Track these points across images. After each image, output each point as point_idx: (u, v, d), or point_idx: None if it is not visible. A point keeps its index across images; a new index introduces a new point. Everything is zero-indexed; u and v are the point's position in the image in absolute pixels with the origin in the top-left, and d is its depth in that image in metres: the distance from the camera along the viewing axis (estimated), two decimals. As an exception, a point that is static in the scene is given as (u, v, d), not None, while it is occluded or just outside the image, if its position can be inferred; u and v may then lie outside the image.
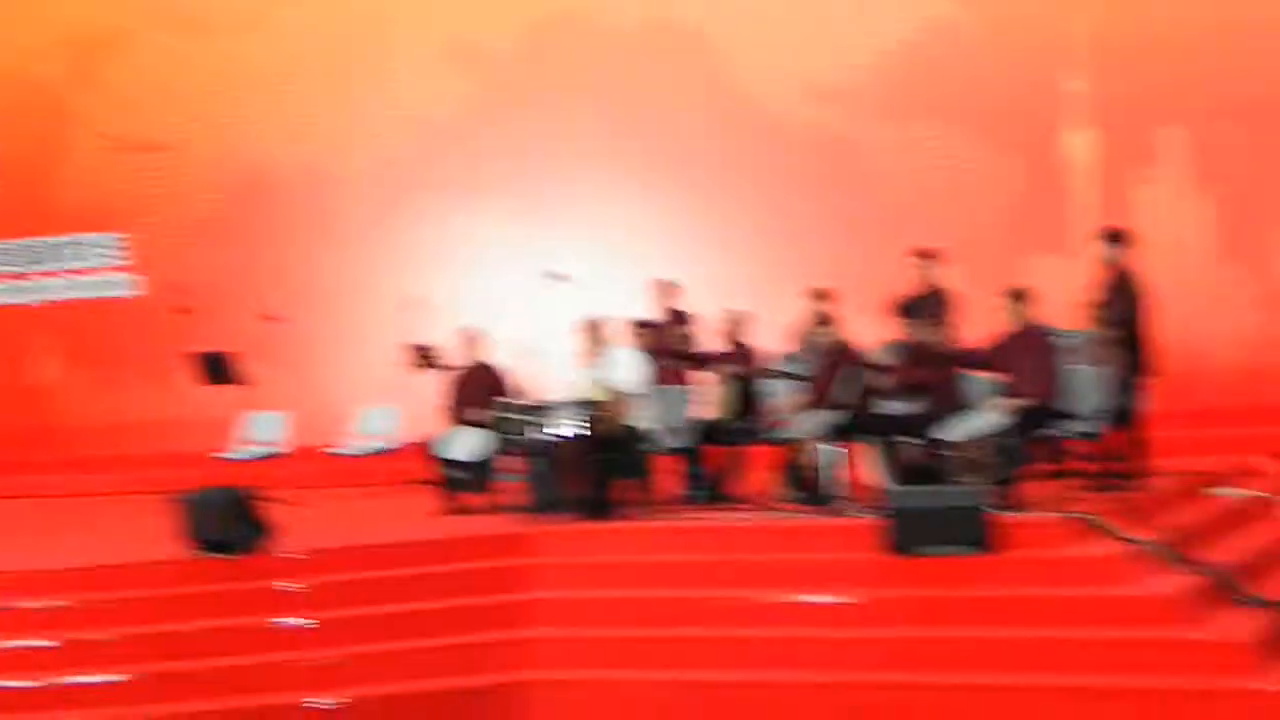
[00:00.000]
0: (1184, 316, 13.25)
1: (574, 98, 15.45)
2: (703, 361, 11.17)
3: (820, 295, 11.54)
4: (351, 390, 15.33)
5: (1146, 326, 10.12)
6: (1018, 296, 9.40)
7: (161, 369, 13.25)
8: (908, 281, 11.01)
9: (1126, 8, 13.76)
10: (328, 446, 13.91)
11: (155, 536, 10.16)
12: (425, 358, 13.54)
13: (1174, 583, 7.84)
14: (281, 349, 14.23)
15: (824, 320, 10.37)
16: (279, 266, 16.35)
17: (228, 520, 8.93)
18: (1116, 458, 10.09)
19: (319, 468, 13.59)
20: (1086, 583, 7.98)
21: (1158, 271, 13.19)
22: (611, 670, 8.23)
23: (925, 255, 11.06)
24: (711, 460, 10.78)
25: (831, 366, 10.14)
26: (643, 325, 11.24)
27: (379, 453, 13.61)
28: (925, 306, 10.15)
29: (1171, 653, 7.36)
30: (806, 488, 10.16)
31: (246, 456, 13.53)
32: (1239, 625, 7.47)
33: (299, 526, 10.34)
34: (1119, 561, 8.00)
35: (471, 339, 11.56)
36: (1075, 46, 13.83)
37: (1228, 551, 8.78)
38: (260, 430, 13.23)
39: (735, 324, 10.99)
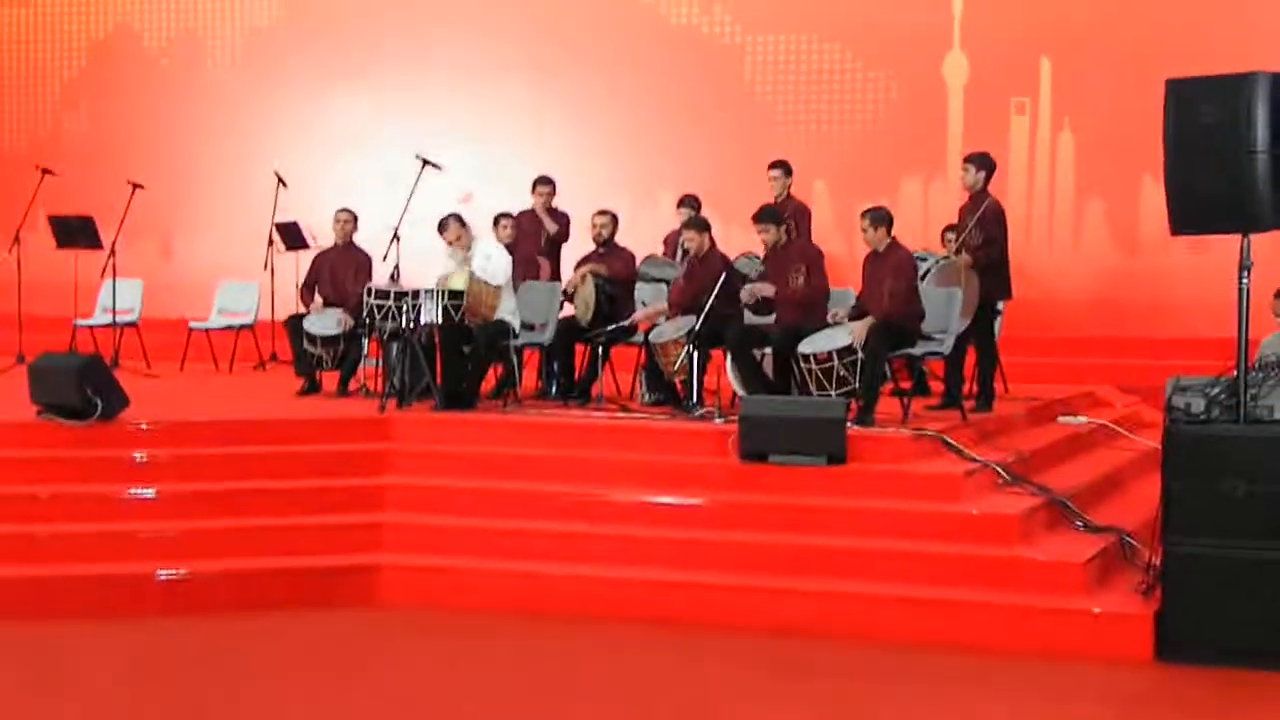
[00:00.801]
0: (1043, 246, 13.55)
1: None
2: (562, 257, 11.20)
3: (692, 202, 11.61)
4: (213, 263, 15.12)
5: (1006, 253, 10.30)
6: (879, 218, 9.49)
7: (17, 228, 12.88)
8: (768, 192, 11.14)
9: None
10: (186, 318, 13.71)
11: (3, 399, 9.99)
12: (291, 237, 13.41)
13: (1015, 503, 8.06)
14: (143, 217, 13.92)
15: (704, 227, 10.39)
16: (143, 131, 16.00)
17: (78, 386, 8.76)
18: (969, 379, 10.33)
19: (178, 339, 13.39)
20: (931, 498, 8.16)
21: (1021, 199, 13.51)
22: (460, 558, 8.27)
23: (781, 167, 11.20)
24: (573, 358, 10.82)
25: (698, 273, 10.19)
26: (513, 219, 11.19)
27: (239, 328, 13.45)
28: (782, 214, 10.23)
29: (1008, 570, 7.56)
30: (665, 390, 10.26)
31: (102, 323, 13.29)
32: (1074, 549, 7.70)
33: (153, 397, 10.23)
34: (964, 480, 8.19)
35: (341, 221, 11.40)
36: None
37: (1069, 477, 9.04)
38: (117, 298, 12.98)
39: (606, 225, 10.98)
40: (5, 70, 16.53)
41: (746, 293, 9.68)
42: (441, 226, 10.41)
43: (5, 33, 16.49)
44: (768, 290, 9.64)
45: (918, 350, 9.56)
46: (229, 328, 13.51)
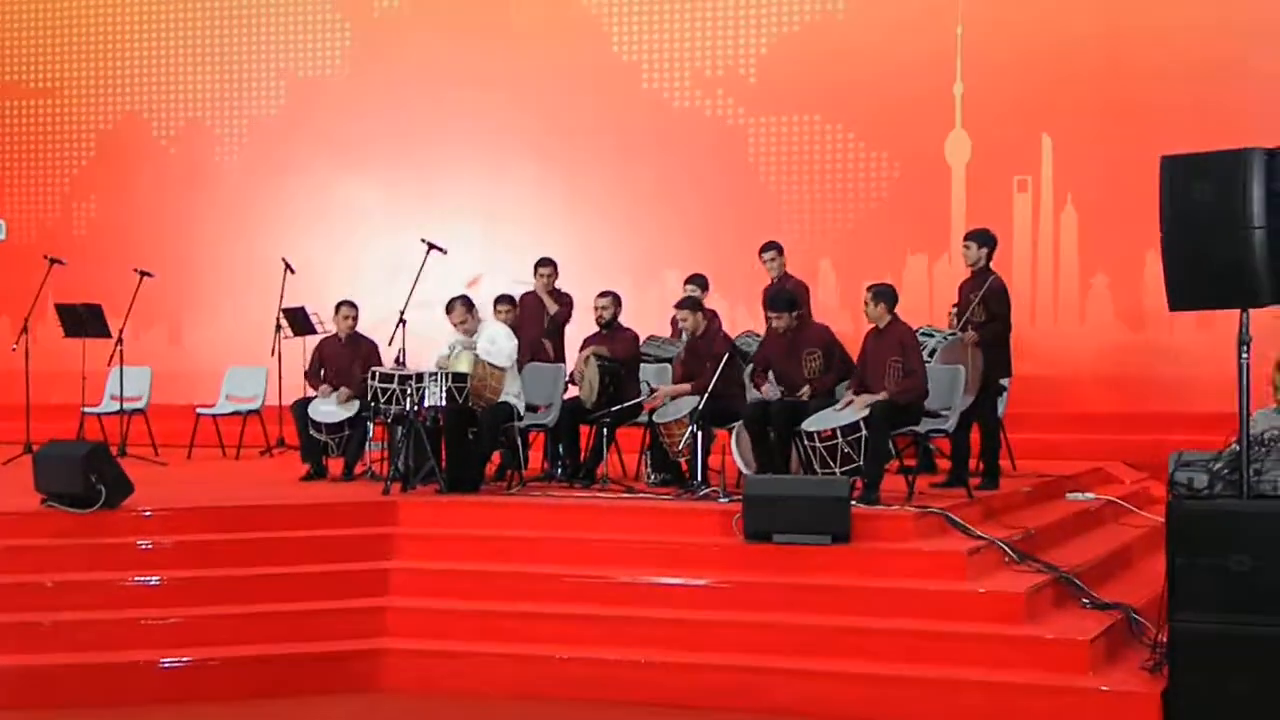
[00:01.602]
0: (1048, 322, 13.57)
1: (461, 73, 15.37)
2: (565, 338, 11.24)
3: (699, 280, 11.65)
4: (221, 350, 15.18)
5: (1009, 330, 10.32)
6: (880, 294, 9.52)
7: (26, 317, 12.95)
8: (765, 273, 11.21)
9: (1003, 16, 13.96)
10: (194, 405, 13.75)
11: (8, 488, 10.01)
12: (298, 322, 13.47)
13: (1021, 581, 8.01)
14: (151, 304, 14.02)
15: (696, 306, 10.45)
16: (151, 220, 16.13)
17: (82, 474, 8.77)
18: (973, 456, 10.30)
19: (186, 426, 13.43)
20: (936, 577, 8.12)
21: (1025, 276, 13.54)
22: (467, 643, 8.23)
23: (773, 248, 11.29)
24: (578, 439, 10.82)
25: (702, 352, 10.22)
26: (515, 302, 11.24)
27: (246, 414, 13.49)
28: (798, 300, 10.27)
29: (1014, 649, 7.51)
30: (670, 470, 10.25)
31: (110, 411, 13.34)
32: (1081, 626, 7.65)
33: (160, 484, 10.25)
34: (969, 557, 8.15)
35: (343, 315, 11.47)
36: (954, 52, 14.02)
37: (1076, 553, 8.99)
38: (125, 385, 13.02)
39: (607, 306, 11.01)
40: (16, 161, 16.69)
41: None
42: (449, 308, 10.45)
43: (16, 124, 16.67)
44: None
45: (922, 428, 9.55)
46: (236, 413, 13.55)
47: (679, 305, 10.58)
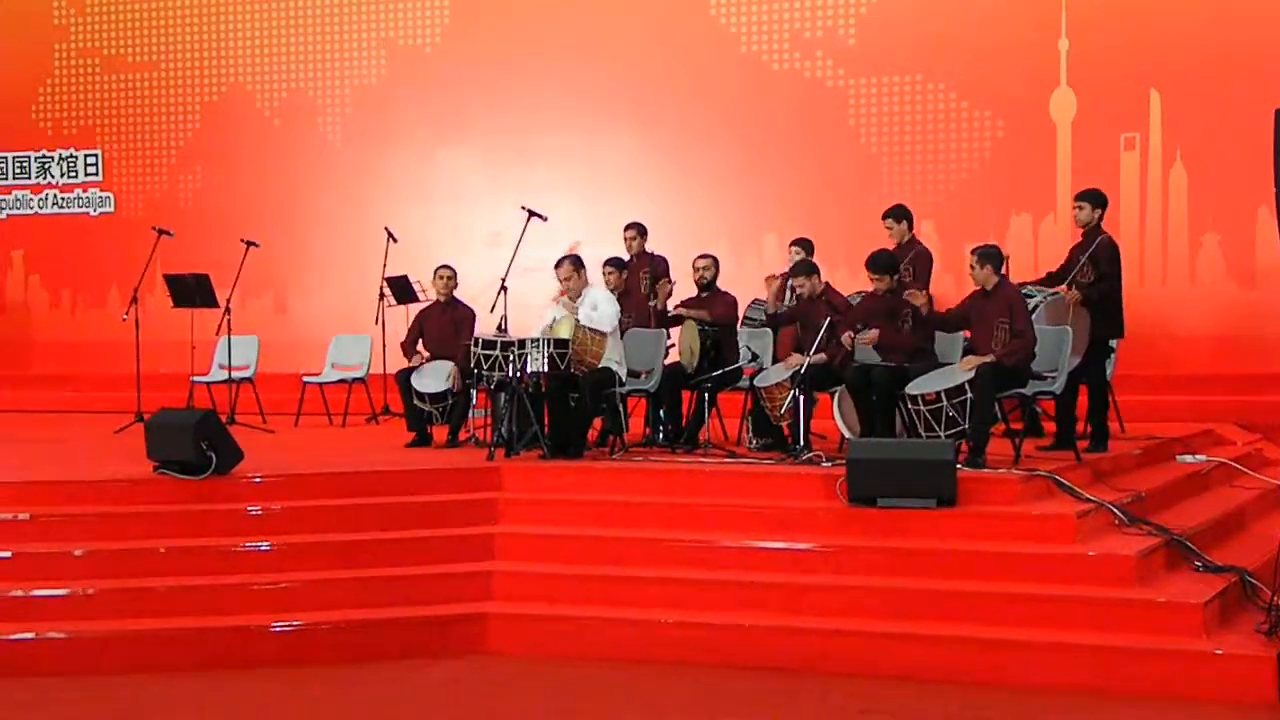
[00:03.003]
0: (1156, 282, 13.32)
1: (558, 41, 15.37)
2: (672, 308, 11.19)
3: (799, 244, 11.57)
4: (326, 318, 15.34)
5: (1119, 291, 10.16)
6: (987, 255, 9.39)
7: (135, 288, 13.16)
8: (883, 237, 11.02)
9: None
10: (300, 373, 13.92)
11: (122, 455, 10.19)
12: (401, 290, 13.57)
13: (1131, 544, 7.90)
14: (257, 274, 14.19)
15: (802, 269, 10.37)
16: (256, 191, 16.32)
17: (193, 442, 8.91)
18: (1082, 419, 10.16)
19: (292, 394, 13.60)
20: (1045, 540, 8.03)
21: (1133, 236, 13.30)
22: (570, 607, 8.27)
23: (892, 214, 11.06)
24: (679, 404, 10.82)
25: (806, 316, 10.16)
26: (617, 266, 11.23)
27: (352, 382, 13.63)
28: (899, 262, 10.15)
29: (1126, 612, 7.42)
30: (772, 434, 10.21)
31: (218, 379, 13.54)
32: (1193, 589, 7.53)
33: (268, 452, 10.39)
34: (1078, 520, 8.05)
35: (442, 278, 11.57)
36: (1058, 7, 13.77)
37: (1188, 516, 8.85)
38: (233, 354, 13.21)
39: (707, 268, 10.98)
40: (123, 135, 16.94)
41: (848, 338, 9.61)
42: (557, 265, 10.47)
43: (122, 98, 16.92)
44: (870, 336, 9.55)
45: (1028, 390, 9.42)
46: (342, 381, 13.70)
47: (794, 271, 10.42)
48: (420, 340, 11.49)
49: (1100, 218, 10.15)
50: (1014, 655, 7.39)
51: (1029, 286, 10.51)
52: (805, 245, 11.51)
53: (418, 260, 13.81)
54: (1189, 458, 10.62)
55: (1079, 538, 7.98)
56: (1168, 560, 8.00)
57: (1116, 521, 8.32)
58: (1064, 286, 10.14)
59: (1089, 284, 10.02)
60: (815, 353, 9.56)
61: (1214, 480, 10.38)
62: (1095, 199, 10.20)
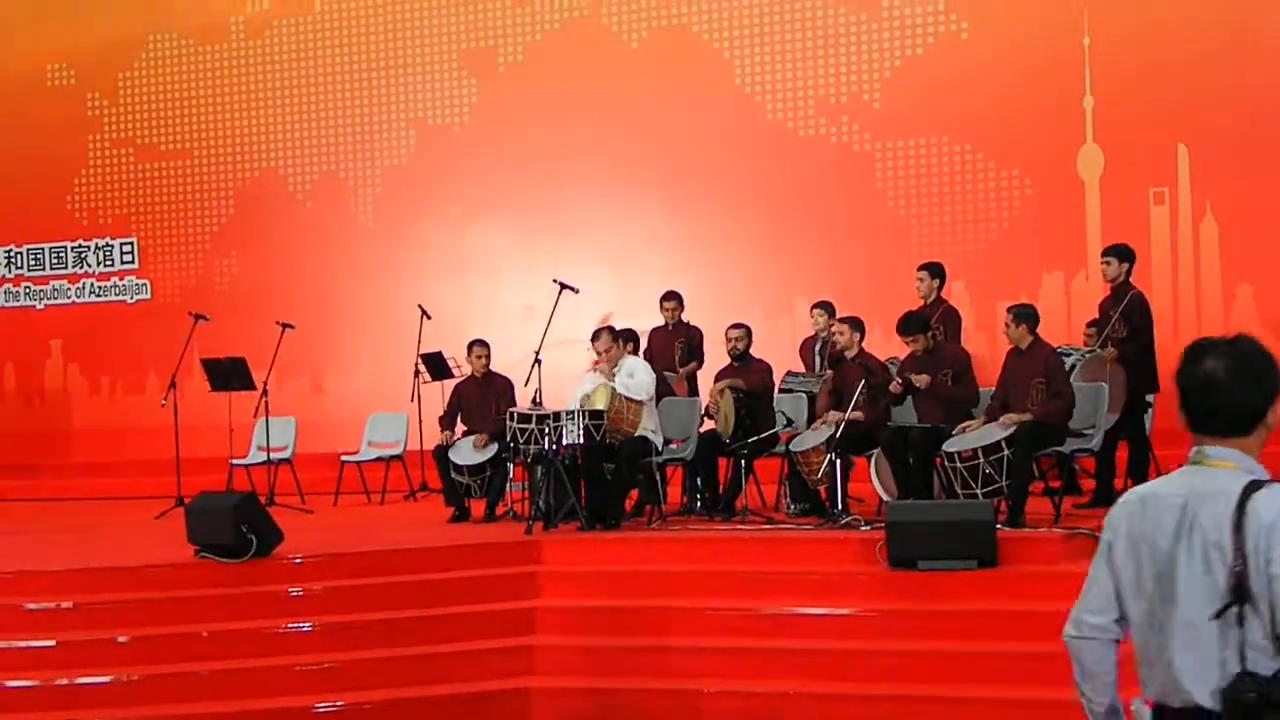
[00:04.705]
0: (1191, 335, 13.23)
1: (585, 109, 15.49)
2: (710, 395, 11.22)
3: (821, 307, 11.58)
4: (363, 397, 15.42)
5: (1152, 344, 10.14)
6: (1022, 315, 9.40)
7: (173, 373, 13.27)
8: (914, 296, 11.05)
9: (1130, 28, 13.72)
10: (338, 452, 13.98)
11: (163, 540, 10.25)
12: (436, 367, 13.64)
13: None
14: (293, 355, 14.29)
15: (848, 321, 10.32)
16: (290, 273, 16.46)
17: (233, 525, 8.96)
18: (1121, 475, 10.12)
19: (330, 473, 13.67)
20: (1088, 599, 7.96)
21: (1165, 290, 13.27)
22: (612, 679, 8.26)
23: (928, 269, 11.09)
24: (716, 472, 10.82)
25: (840, 379, 10.16)
26: (634, 335, 11.28)
27: (389, 459, 13.69)
28: (930, 322, 10.16)
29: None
30: (810, 499, 10.19)
31: (257, 462, 13.61)
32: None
33: (308, 532, 10.43)
34: (1121, 578, 7.98)
35: (476, 355, 11.62)
36: (1082, 65, 13.82)
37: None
38: (271, 436, 13.29)
39: (740, 339, 11.00)
40: (157, 222, 17.10)
41: (896, 385, 9.60)
42: (594, 337, 10.54)
43: (156, 185, 17.11)
44: (923, 380, 9.52)
45: (1066, 448, 9.39)
46: (379, 459, 13.75)
47: (841, 320, 10.40)
48: (459, 415, 11.53)
49: (1128, 272, 10.16)
50: (1059, 715, 7.30)
51: (1065, 347, 10.52)
52: (827, 308, 11.51)
53: (452, 336, 13.88)
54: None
55: (1122, 595, 7.91)
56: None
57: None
58: (1099, 344, 10.14)
59: (1123, 339, 10.01)
60: (850, 412, 9.55)
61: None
62: (1122, 254, 10.21)
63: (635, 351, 11.23)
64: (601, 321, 11.01)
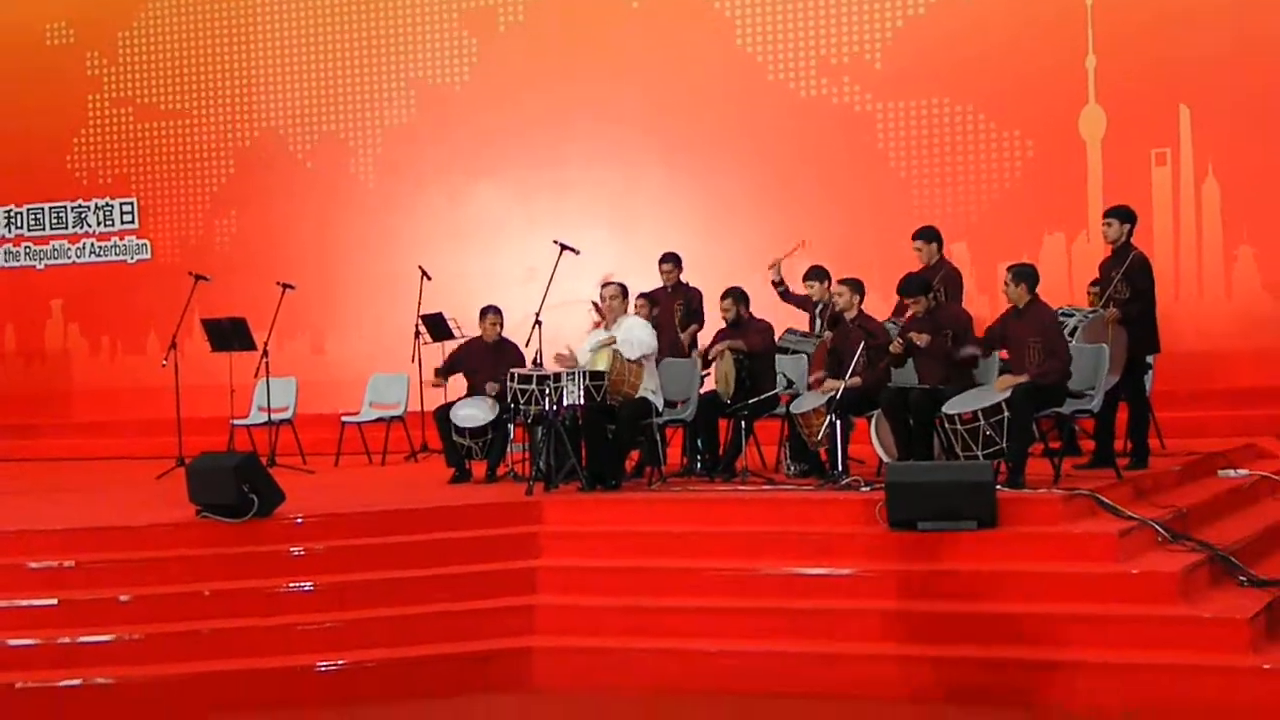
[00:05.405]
0: (1192, 297, 13.28)
1: (587, 70, 15.46)
2: (710, 353, 11.20)
3: (814, 276, 11.49)
4: (363, 358, 15.42)
5: (1153, 306, 10.13)
6: (1022, 274, 9.39)
7: (173, 333, 13.26)
8: (914, 259, 11.04)
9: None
10: (339, 413, 14.00)
11: (164, 500, 10.27)
12: (437, 328, 13.64)
13: (1175, 561, 7.87)
14: (294, 316, 14.29)
15: (848, 284, 10.27)
16: (290, 233, 16.44)
17: (234, 484, 8.98)
18: (1121, 436, 10.13)
19: (331, 434, 13.68)
20: (1088, 559, 8.00)
21: (1167, 251, 13.26)
22: (613, 639, 8.28)
23: (922, 235, 11.08)
24: (717, 433, 10.82)
25: (840, 340, 10.16)
26: (650, 297, 11.26)
27: (390, 420, 13.70)
28: (931, 282, 10.13)
29: (1171, 629, 7.38)
30: (810, 461, 10.21)
31: (258, 422, 13.62)
32: (1239, 604, 7.49)
33: (309, 492, 10.44)
34: (1121, 539, 8.02)
35: (490, 322, 11.59)
36: (1084, 24, 13.77)
37: (1231, 531, 8.80)
38: (272, 396, 13.30)
39: (729, 309, 10.91)
40: (158, 182, 17.09)
41: (898, 344, 9.58)
42: (603, 285, 10.54)
43: (156, 145, 17.08)
44: (924, 340, 9.49)
45: (1066, 409, 9.40)
46: (380, 420, 13.77)
47: (841, 281, 10.34)
48: (464, 374, 11.51)
49: (1129, 233, 10.14)
50: (1059, 675, 7.36)
51: (1067, 307, 10.51)
52: (819, 274, 11.44)
53: (452, 297, 13.89)
54: (1230, 472, 10.56)
55: (1122, 556, 7.95)
56: (1211, 576, 7.96)
57: (1159, 539, 8.29)
58: (1101, 305, 10.13)
59: (1125, 301, 10.00)
60: (850, 377, 9.56)
61: (1256, 494, 10.33)
62: (1123, 215, 10.19)
63: (658, 313, 11.20)
64: (603, 281, 10.99)
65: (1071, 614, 7.66)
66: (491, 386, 11.11)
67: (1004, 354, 9.63)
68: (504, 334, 11.63)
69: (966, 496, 8.28)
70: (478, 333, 11.77)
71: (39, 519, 9.73)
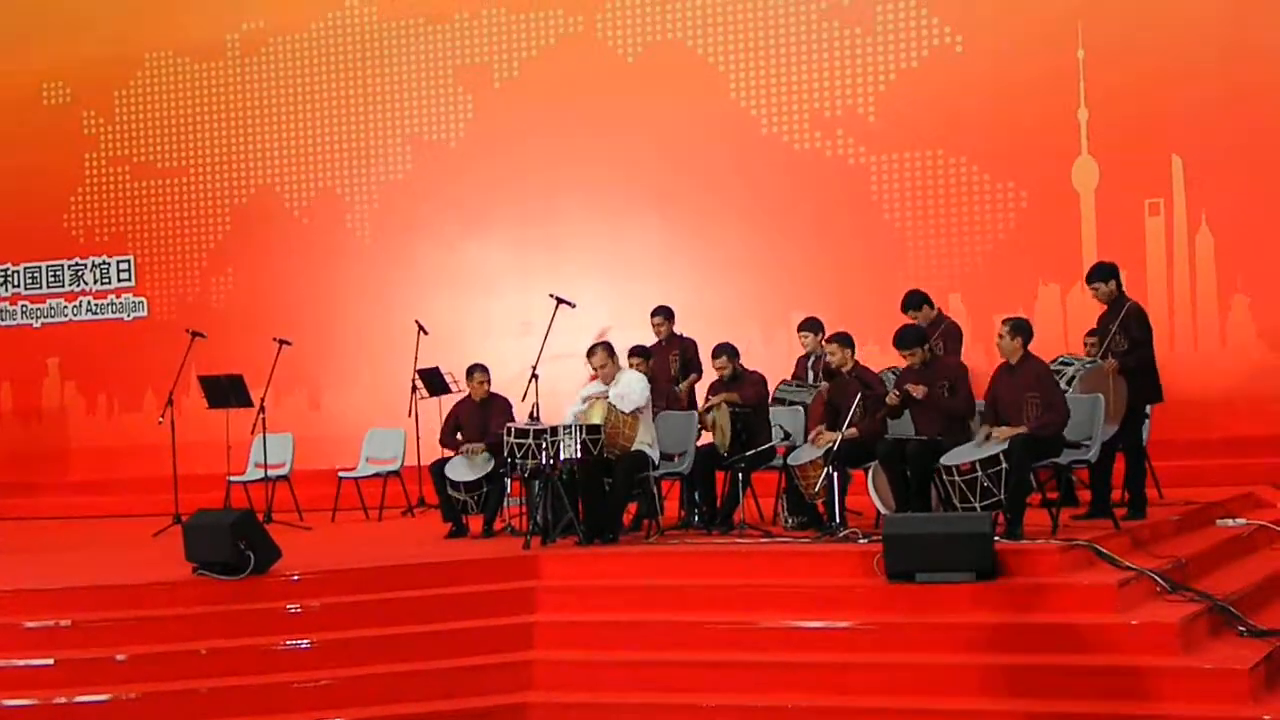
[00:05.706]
0: (1188, 346, 13.29)
1: (581, 125, 15.52)
2: (702, 404, 11.20)
3: (807, 327, 11.49)
4: (360, 413, 15.42)
5: (1153, 356, 10.15)
6: (1019, 328, 9.39)
7: (170, 390, 13.27)
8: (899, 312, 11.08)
9: (1123, 40, 13.74)
10: (336, 468, 13.98)
11: (161, 558, 10.24)
12: (433, 383, 13.65)
13: (1174, 611, 7.84)
14: (291, 372, 14.30)
15: (837, 339, 10.29)
16: (286, 289, 16.47)
17: (230, 542, 8.95)
18: (1118, 486, 10.12)
19: (328, 490, 13.66)
20: (1087, 610, 7.98)
21: (1161, 300, 13.29)
22: (611, 694, 8.25)
23: (915, 303, 11.11)
24: (714, 486, 10.81)
25: (838, 392, 10.16)
26: (643, 355, 11.27)
27: (387, 475, 13.68)
28: (926, 334, 10.15)
29: (1171, 680, 7.35)
30: (807, 513, 10.19)
31: (255, 479, 13.60)
32: (1238, 654, 7.47)
33: (306, 548, 10.42)
34: (1120, 589, 8.00)
35: (477, 380, 11.57)
36: (1076, 77, 13.85)
37: (1230, 581, 8.78)
38: (268, 453, 13.29)
39: (724, 366, 10.89)
40: (154, 240, 17.12)
41: (894, 396, 9.59)
42: (590, 353, 10.51)
43: (152, 203, 17.12)
44: (920, 390, 9.49)
45: (1064, 459, 9.39)
46: (377, 475, 13.75)
47: (830, 340, 10.34)
48: (459, 434, 11.50)
49: (1118, 286, 10.16)
50: (1061, 728, 7.32)
51: (1066, 356, 10.52)
52: (813, 327, 11.45)
53: (449, 351, 13.91)
54: (1229, 521, 10.55)
55: (1121, 607, 7.93)
56: (1211, 626, 7.94)
57: (1158, 589, 8.27)
58: (1100, 357, 10.15)
59: (1123, 352, 10.02)
60: (847, 429, 9.56)
61: (1255, 544, 10.31)
62: (1104, 273, 10.17)
63: (653, 365, 11.21)
64: (599, 336, 11.00)
65: (1071, 665, 7.63)
66: (474, 448, 11.07)
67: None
68: (498, 389, 11.61)
69: (965, 548, 8.26)
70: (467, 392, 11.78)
71: (35, 578, 9.69)
